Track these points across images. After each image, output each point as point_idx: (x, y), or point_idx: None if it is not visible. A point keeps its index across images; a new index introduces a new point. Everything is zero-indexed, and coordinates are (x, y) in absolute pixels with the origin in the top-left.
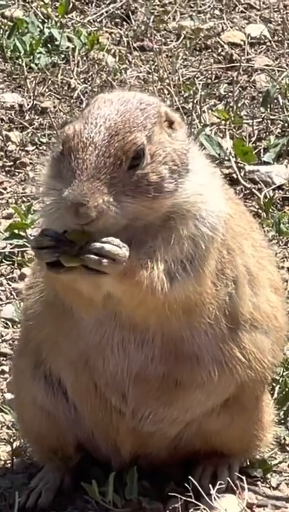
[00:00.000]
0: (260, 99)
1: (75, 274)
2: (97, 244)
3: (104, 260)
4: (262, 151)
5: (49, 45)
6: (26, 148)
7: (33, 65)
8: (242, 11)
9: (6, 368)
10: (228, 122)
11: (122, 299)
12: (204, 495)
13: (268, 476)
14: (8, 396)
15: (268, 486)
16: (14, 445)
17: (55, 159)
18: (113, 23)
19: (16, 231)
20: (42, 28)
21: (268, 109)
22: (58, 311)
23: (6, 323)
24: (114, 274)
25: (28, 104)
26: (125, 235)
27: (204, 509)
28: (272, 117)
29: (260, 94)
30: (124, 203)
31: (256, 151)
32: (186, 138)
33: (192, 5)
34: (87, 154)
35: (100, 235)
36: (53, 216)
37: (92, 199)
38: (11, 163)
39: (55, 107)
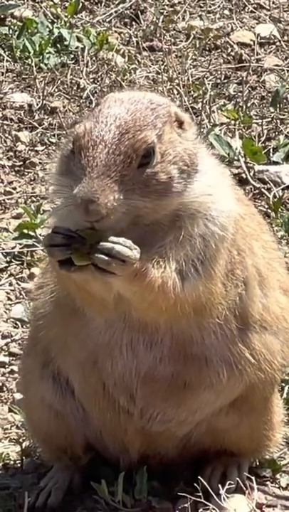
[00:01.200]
0: (270, 99)
1: (86, 273)
2: (108, 245)
3: (114, 261)
4: (271, 150)
5: (58, 45)
6: (36, 148)
7: (42, 65)
8: (251, 11)
9: (16, 368)
10: (237, 122)
11: (132, 300)
12: (214, 495)
13: (278, 476)
14: (18, 396)
15: (277, 486)
16: (24, 445)
17: (65, 157)
18: (122, 23)
19: (25, 231)
20: (51, 28)
21: (278, 109)
22: (68, 311)
23: (16, 323)
24: (123, 275)
25: (37, 104)
26: (135, 233)
27: (213, 509)
28: (281, 117)
29: (269, 94)
30: (133, 201)
31: (265, 150)
32: (196, 138)
33: (202, 5)
34: (97, 152)
35: (110, 234)
36: (63, 214)
37: (103, 196)
38: (21, 163)
39: (64, 107)
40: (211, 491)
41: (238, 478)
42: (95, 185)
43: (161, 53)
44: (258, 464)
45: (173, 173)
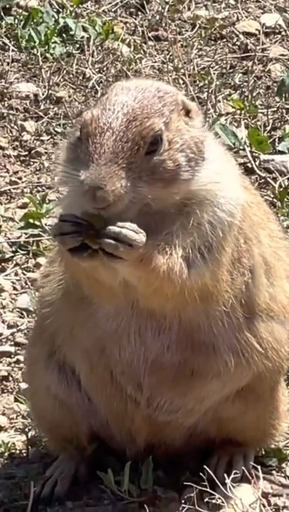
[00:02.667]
0: (275, 89)
1: (96, 260)
2: (115, 229)
3: (121, 245)
4: (277, 140)
5: (64, 35)
6: (41, 138)
7: (48, 55)
8: (257, 1)
9: (22, 358)
10: (243, 112)
11: (138, 286)
12: (219, 484)
13: (283, 465)
14: (24, 386)
15: (283, 475)
16: (29, 435)
17: (72, 145)
18: (128, 12)
19: (31, 221)
20: (57, 17)
21: (283, 99)
22: (75, 299)
23: (21, 313)
24: (130, 259)
25: (43, 94)
26: (142, 221)
27: (219, 498)
28: (287, 106)
29: (275, 84)
30: (140, 188)
31: (271, 140)
32: (203, 126)
33: None
34: (104, 139)
35: (116, 220)
36: (70, 202)
37: (110, 183)
38: (26, 152)
39: (70, 96)
40: (216, 480)
41: (243, 468)
42: (103, 172)
43: (166, 43)
44: (263, 453)
45: (180, 161)
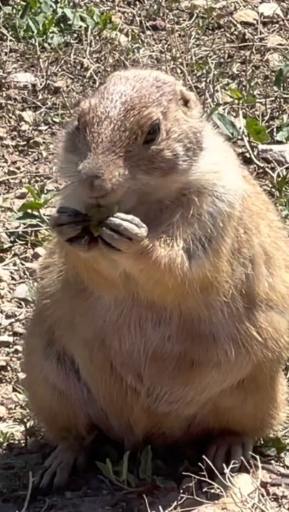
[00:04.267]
0: (273, 78)
1: (95, 250)
2: (116, 221)
3: (121, 238)
4: (275, 130)
5: (62, 25)
6: (39, 128)
7: (45, 45)
8: None
9: (20, 348)
10: (241, 101)
11: (138, 278)
12: (218, 474)
13: (282, 454)
14: (22, 376)
15: (281, 464)
16: (28, 425)
17: (70, 134)
18: (126, 2)
19: (29, 211)
20: (55, 7)
21: (281, 88)
22: (75, 290)
23: (20, 303)
24: (130, 252)
25: (41, 84)
26: (142, 211)
27: (218, 488)
28: (285, 96)
29: (273, 73)
30: (138, 176)
31: (269, 130)
32: (201, 116)
33: None
34: (102, 128)
35: (117, 211)
36: (69, 194)
37: (107, 172)
38: (24, 142)
39: (68, 86)
40: (215, 470)
41: (242, 458)
42: (100, 161)
43: (164, 32)
44: (262, 442)
45: (178, 151)
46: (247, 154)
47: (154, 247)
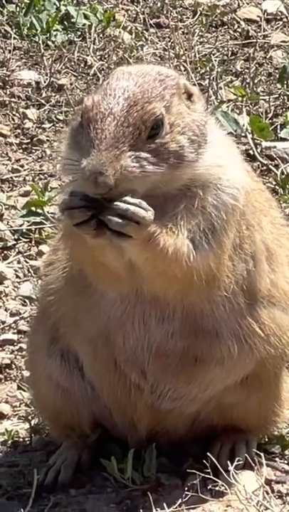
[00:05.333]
0: (277, 76)
1: (103, 238)
2: (123, 205)
3: (129, 223)
4: (278, 127)
5: (65, 23)
6: (43, 126)
7: (49, 43)
8: None
9: (24, 346)
10: (244, 99)
11: (143, 267)
12: (222, 471)
13: (286, 452)
14: (27, 373)
15: (286, 462)
16: (32, 422)
17: (73, 131)
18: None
19: (33, 208)
20: (58, 5)
21: (285, 86)
22: (79, 287)
23: (24, 301)
24: (137, 238)
25: (44, 82)
26: (147, 203)
27: (222, 485)
28: (288, 93)
29: (276, 71)
30: (144, 167)
31: (273, 127)
32: (205, 110)
33: None
34: (105, 124)
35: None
36: (73, 188)
37: (111, 168)
38: (28, 140)
39: (71, 84)
40: (220, 467)
41: (246, 455)
42: (103, 158)
43: (168, 30)
44: (266, 440)
45: (183, 142)
46: (250, 151)
47: (161, 235)
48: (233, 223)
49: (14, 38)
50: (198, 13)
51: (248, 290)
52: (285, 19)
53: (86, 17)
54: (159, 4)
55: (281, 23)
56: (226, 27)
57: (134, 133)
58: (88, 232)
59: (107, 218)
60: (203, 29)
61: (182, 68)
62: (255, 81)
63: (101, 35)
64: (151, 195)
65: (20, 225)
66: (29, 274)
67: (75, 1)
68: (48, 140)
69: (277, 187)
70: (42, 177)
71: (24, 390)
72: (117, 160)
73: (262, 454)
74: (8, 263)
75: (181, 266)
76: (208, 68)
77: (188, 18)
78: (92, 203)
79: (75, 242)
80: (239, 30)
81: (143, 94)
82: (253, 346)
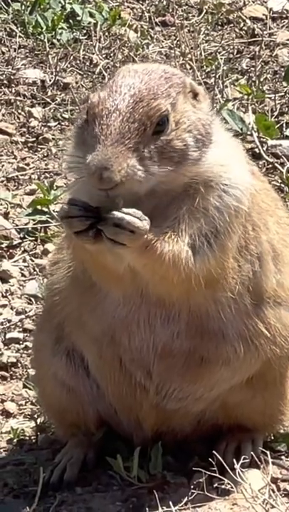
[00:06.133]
0: (283, 74)
1: (102, 244)
2: (118, 214)
3: (124, 231)
4: (284, 125)
5: (71, 21)
6: (49, 124)
7: (55, 41)
8: None
9: (30, 344)
10: (250, 97)
11: (143, 272)
12: (228, 470)
13: None
14: (32, 372)
15: None
16: (38, 421)
17: (79, 128)
18: None
19: (38, 207)
20: (63, 3)
21: None
22: (84, 286)
23: (30, 300)
24: (133, 246)
25: (50, 80)
26: (150, 204)
27: (228, 484)
28: None
29: (282, 69)
30: (148, 167)
31: (278, 125)
32: (210, 110)
33: None
34: (111, 120)
35: (123, 205)
36: (78, 188)
37: (116, 163)
38: (34, 139)
39: (77, 82)
40: (226, 465)
41: (252, 453)
42: (109, 153)
43: (173, 28)
44: (272, 438)
45: (188, 141)
46: (256, 150)
47: (158, 242)
48: (236, 225)
49: (19, 37)
50: (204, 11)
51: (254, 291)
52: None
53: (91, 15)
54: (164, 2)
55: (287, 21)
56: (232, 25)
57: (140, 129)
58: (87, 241)
59: (104, 227)
60: (208, 27)
61: (188, 66)
62: (261, 79)
63: (106, 34)
64: (153, 194)
65: (26, 224)
66: (35, 273)
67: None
68: (53, 138)
69: (282, 185)
70: (47, 175)
71: (30, 389)
72: (123, 156)
73: (268, 452)
74: (14, 261)
75: (180, 272)
76: (213, 66)
77: (193, 16)
78: (90, 213)
79: (76, 245)
80: (245, 28)
81: (149, 91)
82: (259, 347)
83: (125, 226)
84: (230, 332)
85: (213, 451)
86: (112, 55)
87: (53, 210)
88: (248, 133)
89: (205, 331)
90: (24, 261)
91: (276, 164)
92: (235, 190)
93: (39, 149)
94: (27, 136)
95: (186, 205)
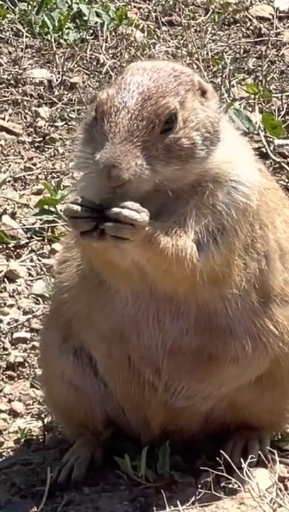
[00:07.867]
0: None
1: (106, 241)
2: (115, 210)
3: (123, 226)
4: None
5: (77, 21)
6: (56, 124)
7: (61, 41)
8: None
9: (37, 344)
10: (257, 96)
11: (147, 267)
12: (236, 469)
13: None
14: (40, 371)
15: None
16: (46, 421)
17: (88, 125)
18: None
19: (45, 207)
20: (70, 3)
21: None
22: (93, 284)
23: (37, 299)
24: (136, 240)
25: (57, 80)
26: (157, 201)
27: (236, 483)
28: None
29: (288, 68)
30: (156, 166)
31: (285, 124)
32: (218, 108)
33: None
34: (119, 118)
35: (131, 201)
36: (86, 185)
37: (125, 161)
38: (41, 138)
39: (84, 82)
40: (233, 464)
41: (260, 452)
42: (118, 151)
43: (180, 28)
44: (280, 437)
45: (196, 139)
46: (263, 149)
47: (161, 236)
48: (244, 223)
49: (26, 37)
50: (211, 10)
51: (261, 288)
52: None
53: (98, 15)
54: (171, 2)
55: None
56: (239, 25)
57: (148, 127)
58: (91, 240)
59: (105, 225)
60: (215, 27)
61: (194, 66)
62: (268, 79)
63: (113, 33)
64: (160, 191)
65: (33, 224)
66: (42, 273)
67: None
68: (60, 138)
69: None
70: (54, 175)
71: (37, 388)
72: (131, 155)
73: (275, 452)
74: (21, 261)
75: (183, 267)
76: (220, 66)
77: (200, 16)
78: (96, 213)
79: (82, 243)
80: (251, 28)
81: (157, 88)
82: (267, 344)
83: (123, 220)
84: (239, 329)
85: (221, 451)
86: (118, 54)
87: (60, 210)
88: (255, 132)
89: (213, 327)
90: (31, 261)
91: (283, 164)
92: (244, 187)
93: (46, 149)
94: (34, 136)
95: (194, 200)
